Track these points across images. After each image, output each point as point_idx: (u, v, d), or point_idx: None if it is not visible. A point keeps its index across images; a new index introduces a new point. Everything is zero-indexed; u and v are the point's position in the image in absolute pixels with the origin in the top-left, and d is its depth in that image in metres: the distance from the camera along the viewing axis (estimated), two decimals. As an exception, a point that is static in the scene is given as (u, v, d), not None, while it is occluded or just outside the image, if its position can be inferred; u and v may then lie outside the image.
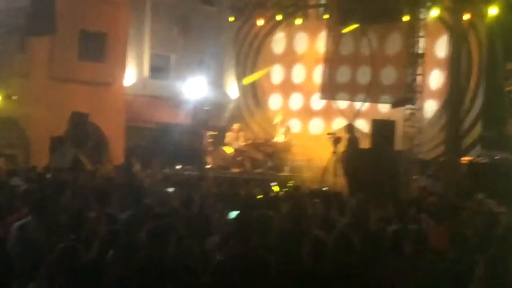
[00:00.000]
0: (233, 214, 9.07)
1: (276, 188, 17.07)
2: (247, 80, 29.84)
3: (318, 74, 28.40)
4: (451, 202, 11.94)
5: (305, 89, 29.25)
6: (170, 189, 14.88)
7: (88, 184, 15.33)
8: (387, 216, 10.86)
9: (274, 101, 29.99)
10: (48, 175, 16.76)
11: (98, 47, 28.28)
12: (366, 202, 11.18)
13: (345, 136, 23.29)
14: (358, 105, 26.91)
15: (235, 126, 27.26)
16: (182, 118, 28.12)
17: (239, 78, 30.55)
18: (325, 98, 28.11)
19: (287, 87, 29.83)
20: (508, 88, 23.02)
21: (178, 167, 24.37)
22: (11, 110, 24.69)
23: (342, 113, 27.39)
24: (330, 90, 27.46)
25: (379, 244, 8.52)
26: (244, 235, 7.52)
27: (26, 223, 8.54)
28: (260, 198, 13.39)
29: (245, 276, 6.39)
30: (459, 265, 7.78)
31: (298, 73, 29.67)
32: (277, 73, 30.08)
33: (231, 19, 28.37)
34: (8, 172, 17.48)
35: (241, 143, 26.53)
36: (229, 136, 26.85)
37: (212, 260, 7.50)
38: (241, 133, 27.04)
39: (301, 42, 29.54)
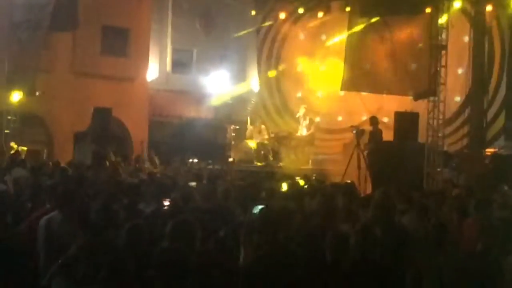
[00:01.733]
0: (257, 208, 9.04)
1: (301, 182, 17.00)
2: (272, 73, 29.83)
3: (341, 67, 28.30)
4: (479, 195, 11.83)
5: (328, 82, 29.13)
6: (193, 183, 14.90)
7: (112, 179, 15.38)
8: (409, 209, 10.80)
9: (297, 95, 29.93)
10: (70, 171, 16.78)
11: (121, 43, 28.39)
12: (390, 195, 11.12)
13: (368, 129, 23.21)
14: (380, 97, 26.81)
15: (257, 122, 27.29)
16: (204, 112, 28.17)
17: (262, 72, 30.53)
18: (347, 90, 27.98)
19: (309, 80, 29.74)
20: (531, 79, 22.93)
21: (199, 161, 24.38)
22: (35, 106, 24.82)
23: (364, 105, 27.29)
24: (352, 82, 27.31)
25: (403, 237, 8.48)
26: (269, 229, 7.49)
27: (52, 218, 8.58)
28: (284, 191, 13.36)
29: (273, 270, 6.39)
30: (489, 257, 7.71)
31: (321, 66, 29.58)
32: (299, 66, 30.01)
33: (253, 12, 28.36)
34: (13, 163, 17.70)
35: (264, 136, 26.54)
36: (251, 130, 26.88)
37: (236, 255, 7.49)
38: (264, 127, 27.05)
39: (323, 35, 29.44)
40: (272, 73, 29.97)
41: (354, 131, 23.42)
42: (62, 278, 6.67)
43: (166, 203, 10.82)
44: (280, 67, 29.98)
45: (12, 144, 22.89)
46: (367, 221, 8.72)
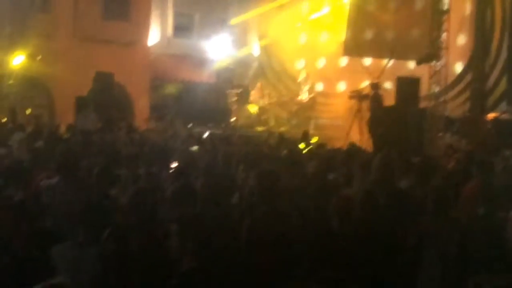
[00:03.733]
0: (255, 172, 9.05)
1: (302, 146, 17.03)
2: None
3: (343, 34, 28.18)
4: (482, 159, 11.83)
5: (330, 49, 29.03)
6: (195, 148, 14.92)
7: (115, 144, 15.40)
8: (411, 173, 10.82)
9: (299, 61, 29.85)
10: (71, 135, 16.78)
11: (122, 6, 28.23)
12: (391, 159, 11.14)
13: (369, 94, 23.21)
14: (383, 62, 26.76)
15: (259, 84, 27.26)
16: (206, 76, 28.12)
17: (262, 36, 30.42)
18: (349, 55, 27.91)
19: (311, 47, 29.63)
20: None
21: (200, 125, 24.37)
22: (36, 70, 24.80)
23: (367, 71, 27.21)
24: (354, 47, 27.24)
25: (405, 201, 8.51)
26: (266, 193, 7.50)
27: (54, 182, 8.60)
28: (284, 155, 13.38)
29: (270, 234, 6.42)
30: (491, 221, 7.75)
31: (323, 34, 29.46)
32: (301, 34, 29.90)
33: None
34: (13, 128, 17.69)
35: (265, 101, 26.55)
36: (253, 94, 26.90)
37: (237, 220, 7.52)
38: (266, 91, 27.06)
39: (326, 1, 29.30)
40: (272, 38, 29.84)
41: (356, 96, 23.48)
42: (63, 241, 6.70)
43: (173, 165, 10.81)
44: (279, 34, 29.82)
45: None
46: (369, 185, 8.74)
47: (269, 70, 30.15)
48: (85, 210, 6.79)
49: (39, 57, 24.70)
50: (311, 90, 26.44)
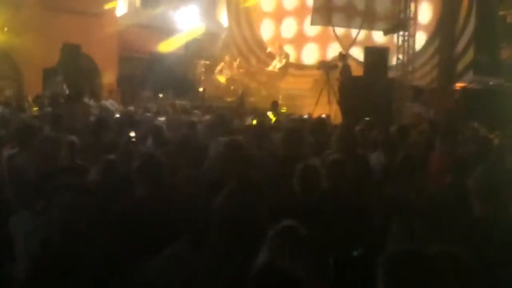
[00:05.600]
0: (223, 143, 9.03)
1: (271, 116, 17.06)
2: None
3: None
4: (446, 127, 11.90)
5: (298, 15, 28.97)
6: (162, 119, 14.86)
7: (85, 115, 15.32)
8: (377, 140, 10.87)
9: (267, 29, 29.77)
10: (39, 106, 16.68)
11: (90, -24, 27.97)
12: (352, 127, 11.22)
13: (338, 64, 23.26)
14: (353, 33, 26.78)
15: (227, 57, 27.26)
16: (174, 47, 27.99)
17: (231, 6, 30.29)
18: (317, 24, 27.87)
19: (279, 14, 29.55)
20: (501, 13, 22.91)
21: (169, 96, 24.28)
22: (3, 41, 24.56)
23: (336, 39, 27.18)
24: (322, 16, 27.23)
25: (366, 170, 8.55)
26: (234, 164, 7.51)
27: (14, 153, 8.61)
28: (252, 125, 13.36)
29: (240, 205, 6.41)
30: (459, 189, 7.77)
31: (292, 1, 29.40)
32: (270, 3, 29.82)
33: None
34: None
35: (234, 71, 26.53)
36: (222, 66, 26.85)
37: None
38: (235, 63, 27.02)
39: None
40: (241, 9, 29.74)
41: (324, 66, 23.52)
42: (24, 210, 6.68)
43: (132, 134, 10.76)
44: (248, 3, 29.72)
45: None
46: (333, 154, 8.76)
47: (238, 41, 30.04)
48: (41, 179, 6.78)
49: (5, 28, 24.47)
50: (280, 60, 26.42)
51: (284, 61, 26.45)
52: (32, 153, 8.30)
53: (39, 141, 8.45)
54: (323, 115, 18.37)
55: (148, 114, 16.30)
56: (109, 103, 20.49)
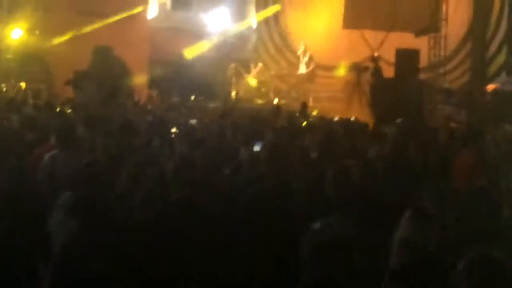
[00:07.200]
0: (258, 145, 9.06)
1: (303, 118, 17.05)
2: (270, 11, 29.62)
3: (341, 5, 28.05)
4: (478, 129, 11.86)
5: (328, 20, 28.89)
6: (193, 121, 14.91)
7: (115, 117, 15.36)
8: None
9: (297, 32, 29.71)
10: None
11: (120, -21, 28.11)
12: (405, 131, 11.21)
13: (369, 66, 23.21)
14: (383, 35, 26.70)
15: (259, 59, 27.35)
16: (205, 50, 28.04)
17: (260, 9, 30.28)
18: (348, 28, 27.83)
19: (311, 19, 29.46)
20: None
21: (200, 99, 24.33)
22: (35, 44, 24.77)
23: (366, 43, 27.14)
24: (354, 19, 27.19)
25: (414, 175, 8.49)
26: (270, 165, 7.53)
27: (55, 154, 8.67)
28: (284, 128, 13.37)
29: (273, 205, 6.41)
30: (488, 189, 7.74)
31: (323, 5, 29.29)
32: (300, 6, 29.75)
33: None
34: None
35: (265, 74, 26.60)
36: (252, 68, 26.93)
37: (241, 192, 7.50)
38: (263, 65, 27.11)
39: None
40: (270, 10, 29.71)
41: (355, 69, 23.49)
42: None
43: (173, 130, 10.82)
44: (278, 5, 29.69)
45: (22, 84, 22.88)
46: (377, 157, 8.77)
47: (268, 43, 30.04)
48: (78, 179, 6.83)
49: (37, 32, 24.67)
50: (309, 62, 26.39)
51: (311, 64, 26.40)
52: (72, 154, 8.38)
53: (78, 142, 8.53)
54: (352, 118, 18.32)
55: (180, 117, 16.36)
56: (143, 105, 20.54)
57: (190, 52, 27.46)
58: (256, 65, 27.24)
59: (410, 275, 4.91)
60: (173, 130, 11.13)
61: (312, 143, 10.19)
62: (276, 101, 24.68)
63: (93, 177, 6.94)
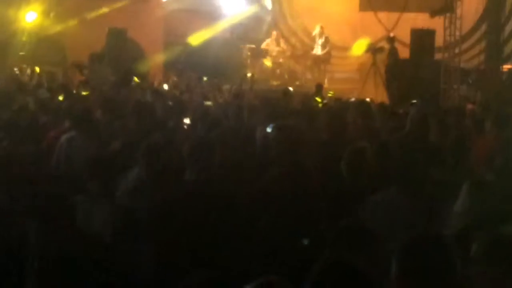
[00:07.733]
0: (271, 126, 9.03)
1: (318, 99, 17.02)
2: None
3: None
4: (496, 111, 11.76)
5: (344, 2, 28.72)
6: (209, 103, 14.91)
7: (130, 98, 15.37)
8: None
9: (311, 13, 29.55)
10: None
11: (135, -39, 28.06)
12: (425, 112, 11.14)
13: (385, 47, 23.14)
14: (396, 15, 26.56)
15: (275, 33, 27.27)
16: (220, 31, 28.00)
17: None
18: (365, 10, 27.71)
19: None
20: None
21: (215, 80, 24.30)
22: (49, 27, 24.80)
23: (381, 24, 27.02)
24: (370, 2, 27.06)
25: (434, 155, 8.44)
26: (283, 147, 7.53)
27: (72, 136, 8.69)
28: (299, 109, 13.35)
29: (288, 187, 6.40)
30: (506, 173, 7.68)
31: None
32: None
33: None
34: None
35: (280, 54, 26.54)
36: (268, 43, 26.89)
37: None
38: (281, 40, 27.08)
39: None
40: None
41: (371, 50, 23.41)
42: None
43: (186, 121, 10.82)
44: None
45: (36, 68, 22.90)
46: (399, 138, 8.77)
47: (283, 25, 29.95)
48: (98, 163, 6.84)
49: (51, 14, 24.70)
50: (325, 43, 26.32)
51: (327, 46, 26.33)
52: (90, 136, 8.41)
53: (95, 125, 8.56)
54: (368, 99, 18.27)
55: (195, 98, 16.37)
56: (160, 87, 20.49)
57: (204, 34, 27.40)
58: (272, 41, 27.20)
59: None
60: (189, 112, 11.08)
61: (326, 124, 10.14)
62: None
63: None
